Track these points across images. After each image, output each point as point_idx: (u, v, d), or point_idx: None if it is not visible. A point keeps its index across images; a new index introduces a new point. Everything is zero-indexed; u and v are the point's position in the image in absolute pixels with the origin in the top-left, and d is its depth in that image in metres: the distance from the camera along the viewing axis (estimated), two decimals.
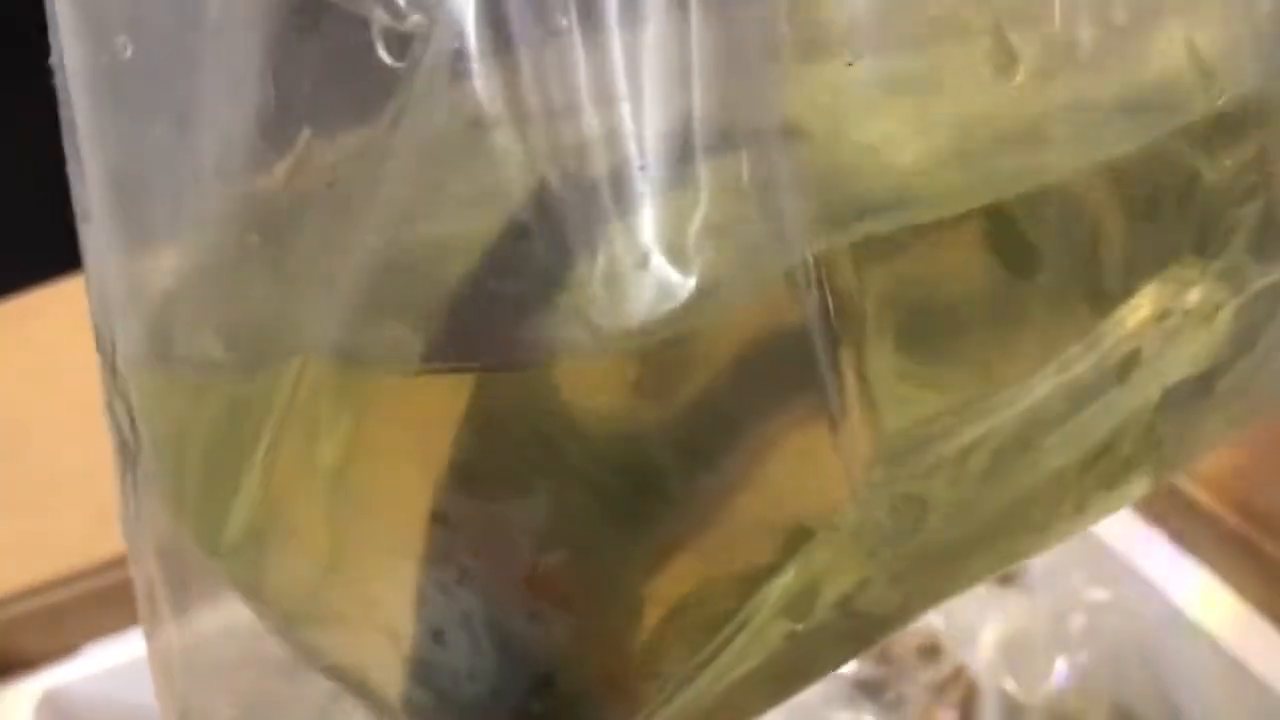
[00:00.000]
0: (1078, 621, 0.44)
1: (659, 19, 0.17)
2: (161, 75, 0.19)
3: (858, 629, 0.21)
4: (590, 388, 0.18)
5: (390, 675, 0.20)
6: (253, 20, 0.18)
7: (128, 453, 0.22)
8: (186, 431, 0.21)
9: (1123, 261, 0.20)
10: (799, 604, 0.19)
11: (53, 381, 0.58)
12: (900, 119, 0.19)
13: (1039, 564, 0.47)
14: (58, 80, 0.21)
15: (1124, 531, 0.45)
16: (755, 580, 0.18)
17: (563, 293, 0.17)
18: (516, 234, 0.17)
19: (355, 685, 0.21)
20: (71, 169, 0.21)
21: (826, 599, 0.19)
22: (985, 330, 0.19)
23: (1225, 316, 0.21)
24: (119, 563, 0.52)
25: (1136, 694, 0.43)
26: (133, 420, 0.21)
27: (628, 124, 0.17)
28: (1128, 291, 0.20)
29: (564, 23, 0.17)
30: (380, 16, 0.17)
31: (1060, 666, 0.43)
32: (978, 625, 0.45)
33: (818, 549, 0.19)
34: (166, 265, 0.21)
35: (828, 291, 0.17)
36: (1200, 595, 0.42)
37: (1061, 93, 0.20)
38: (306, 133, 0.19)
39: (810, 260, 0.17)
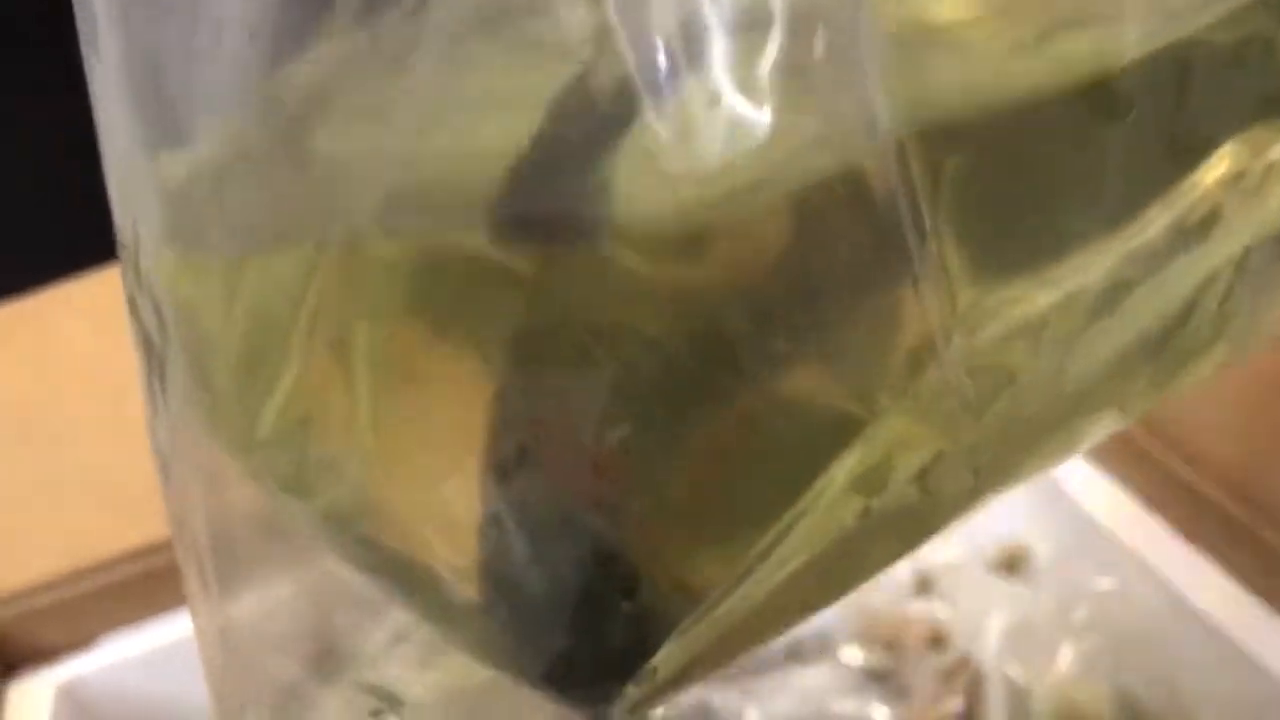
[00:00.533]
0: (1082, 610, 0.44)
1: None
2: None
3: (926, 512, 0.20)
4: (661, 247, 0.16)
5: (448, 570, 0.19)
6: None
7: (154, 355, 0.21)
8: (217, 320, 0.19)
9: (1202, 118, 0.19)
10: (873, 478, 0.18)
11: (70, 378, 0.59)
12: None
13: (1044, 554, 0.47)
14: None
15: (1127, 521, 0.45)
16: (830, 451, 0.17)
17: (631, 141, 0.16)
18: (581, 87, 0.16)
19: (407, 584, 0.20)
20: (90, 70, 0.20)
21: (901, 473, 0.18)
22: (1063, 194, 0.18)
23: None
24: (136, 556, 0.53)
25: (1140, 681, 0.43)
26: (160, 317, 0.20)
27: None
28: (1207, 149, 0.19)
29: None
30: None
31: (1065, 654, 0.43)
32: (983, 615, 0.45)
33: (894, 419, 0.17)
34: (191, 157, 0.19)
35: (910, 151, 0.16)
36: (1203, 584, 0.42)
37: None
38: (334, 19, 0.18)
39: (892, 116, 0.16)
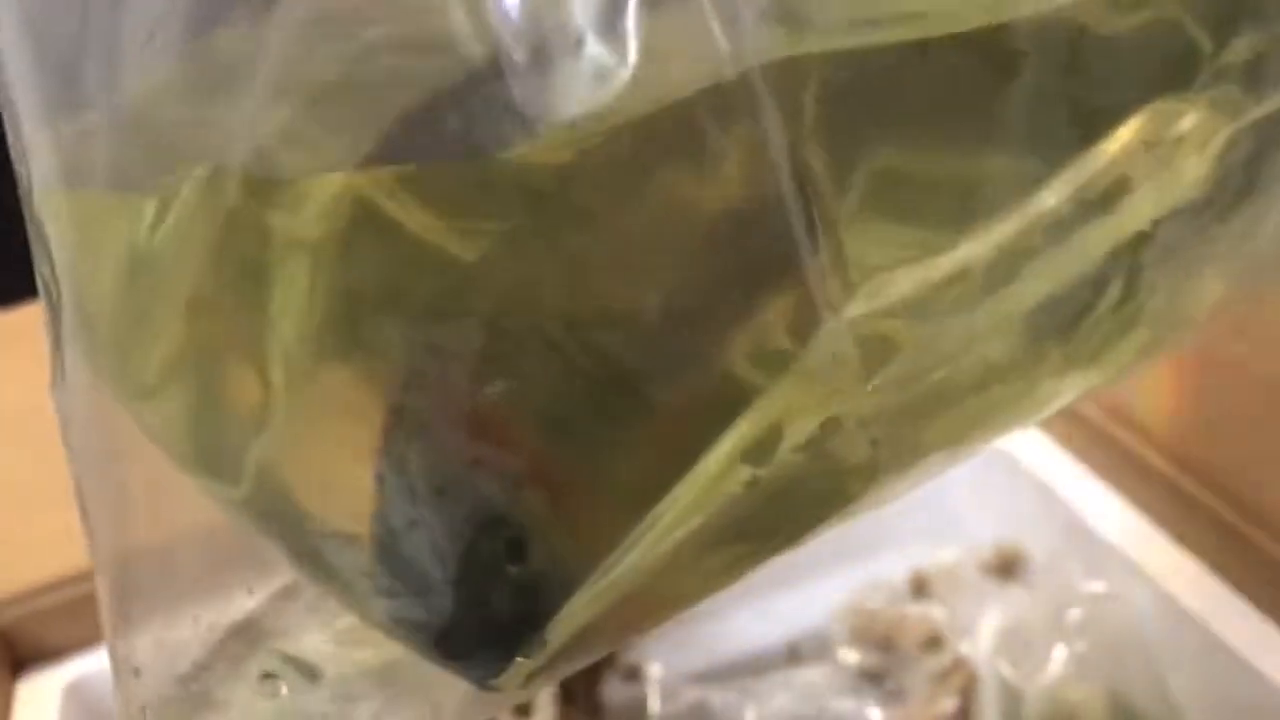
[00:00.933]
0: (1075, 612, 0.44)
1: None
2: None
3: (826, 485, 0.19)
4: (535, 188, 0.16)
5: (342, 536, 0.18)
6: None
7: (52, 305, 0.20)
8: (104, 263, 0.19)
9: (1108, 85, 0.19)
10: (760, 448, 0.17)
11: None
12: None
13: (1038, 558, 0.47)
14: None
15: (1119, 525, 0.46)
16: (716, 418, 0.17)
17: (493, 86, 0.15)
18: (445, 38, 0.16)
19: (302, 548, 0.19)
20: None
21: (789, 442, 0.18)
22: (960, 155, 0.18)
23: (1218, 146, 0.20)
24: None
25: (1132, 681, 0.44)
26: (52, 264, 0.20)
27: None
28: (1111, 118, 0.19)
29: None
30: None
31: (1058, 656, 0.44)
32: (978, 617, 0.46)
33: (780, 387, 0.17)
34: (79, 121, 0.19)
35: (787, 99, 0.16)
36: (1193, 587, 0.43)
37: None
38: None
39: (766, 62, 0.15)
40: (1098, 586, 0.45)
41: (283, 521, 0.19)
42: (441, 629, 0.18)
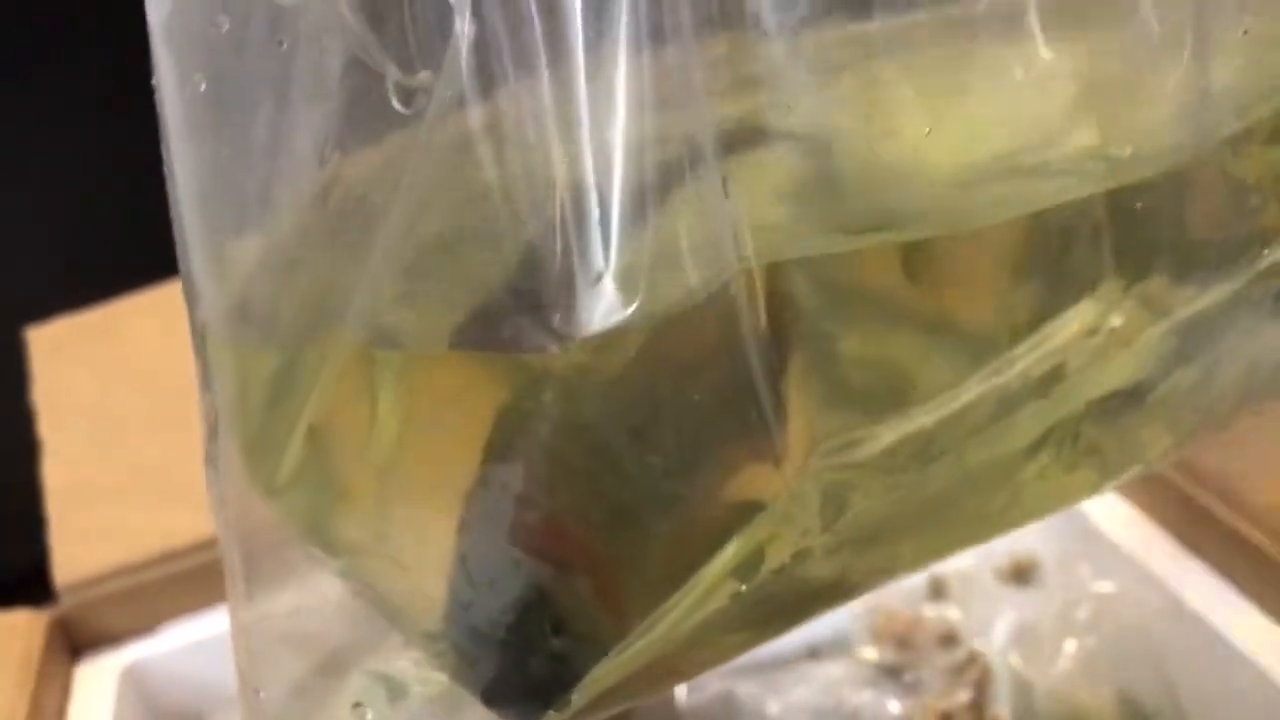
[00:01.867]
0: (1084, 611, 0.45)
1: (615, 62, 0.19)
2: (226, 106, 0.23)
3: (801, 595, 0.23)
4: (570, 375, 0.20)
5: (424, 606, 0.23)
6: (299, 71, 0.22)
7: (211, 421, 0.25)
8: (250, 390, 0.24)
9: (1045, 285, 0.22)
10: (745, 568, 0.22)
11: (141, 382, 0.61)
12: (929, 128, 0.21)
13: (1050, 559, 0.49)
14: (157, 102, 0.24)
15: (1127, 528, 0.47)
16: (714, 545, 0.21)
17: (540, 303, 0.20)
18: (513, 253, 0.20)
19: (393, 614, 0.24)
20: (168, 177, 0.24)
21: (768, 566, 0.22)
22: (911, 345, 0.22)
23: (1150, 338, 0.23)
24: (197, 548, 0.56)
25: (1139, 678, 0.45)
26: (213, 385, 0.24)
27: (588, 159, 0.19)
28: (1048, 313, 0.22)
29: (541, 67, 0.19)
30: (393, 72, 0.20)
31: (1068, 652, 0.45)
32: (992, 617, 0.47)
33: (759, 525, 0.21)
34: (240, 257, 0.24)
35: (761, 307, 0.20)
36: (1198, 588, 0.44)
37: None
38: (336, 157, 0.22)
39: (744, 281, 0.20)
40: (1106, 587, 0.46)
41: (372, 589, 0.24)
42: (488, 684, 0.23)
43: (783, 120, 0.22)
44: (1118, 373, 0.23)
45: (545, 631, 0.22)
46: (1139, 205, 0.22)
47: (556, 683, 0.22)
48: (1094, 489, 0.26)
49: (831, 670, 0.48)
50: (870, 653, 0.49)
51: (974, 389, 0.22)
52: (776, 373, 0.20)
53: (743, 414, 0.20)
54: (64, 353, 0.63)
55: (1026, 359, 0.22)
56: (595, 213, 0.19)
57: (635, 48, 0.20)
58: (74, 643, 0.56)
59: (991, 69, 0.22)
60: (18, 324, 0.63)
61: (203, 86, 0.23)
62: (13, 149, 0.68)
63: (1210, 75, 0.22)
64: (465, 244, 0.21)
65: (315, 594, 0.25)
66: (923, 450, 0.22)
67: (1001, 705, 0.45)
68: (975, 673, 0.45)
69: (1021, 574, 0.50)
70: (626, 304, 0.19)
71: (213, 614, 0.55)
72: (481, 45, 0.20)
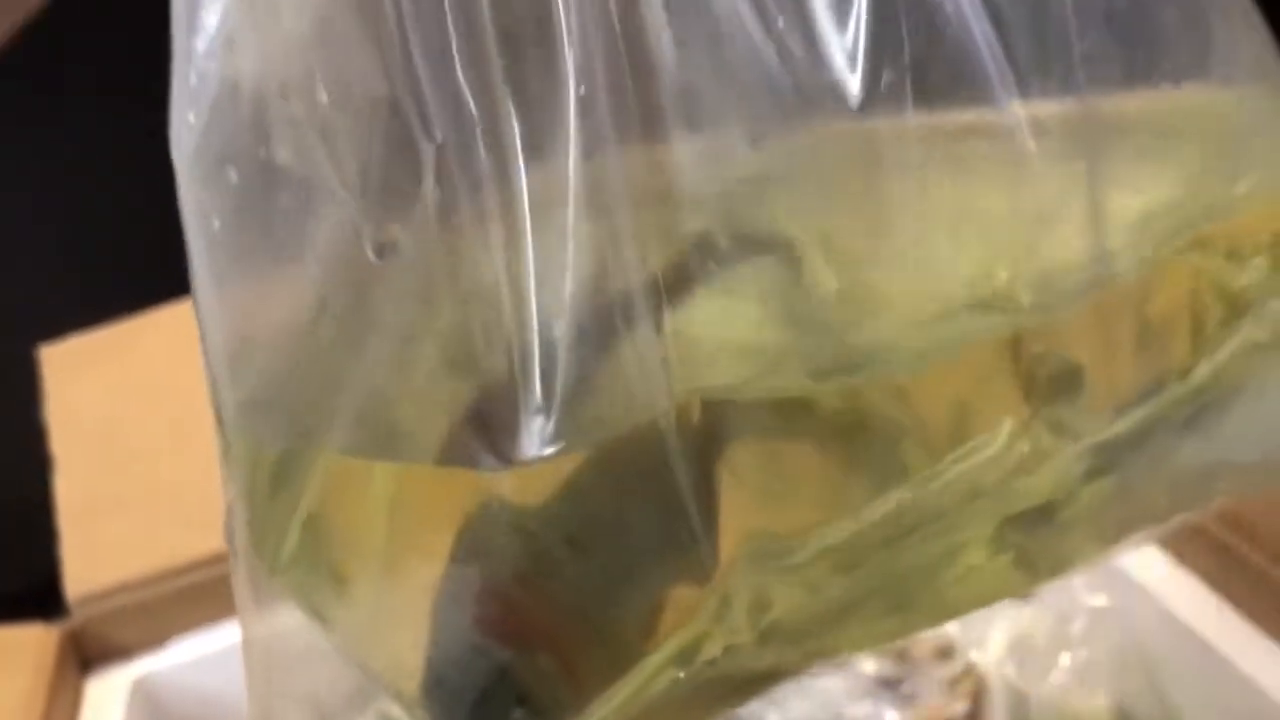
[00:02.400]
0: (1079, 624, 0.46)
1: (561, 212, 0.22)
2: (238, 244, 0.26)
3: (743, 678, 0.25)
4: (516, 491, 0.23)
5: (403, 678, 0.25)
6: (291, 222, 0.25)
7: (228, 498, 0.28)
8: (257, 476, 0.26)
9: (961, 412, 0.24)
10: (682, 659, 0.24)
11: (153, 400, 0.62)
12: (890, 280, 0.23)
13: None
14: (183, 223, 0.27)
15: None
16: (645, 641, 0.24)
17: (493, 430, 0.22)
18: (475, 382, 0.23)
19: (377, 681, 0.26)
20: (192, 276, 0.27)
21: (702, 657, 0.24)
22: (829, 466, 0.24)
23: (1061, 461, 0.24)
24: (206, 563, 0.57)
25: (1132, 690, 0.45)
26: (231, 482, 0.27)
27: (532, 305, 0.22)
28: (963, 438, 0.24)
29: (493, 220, 0.22)
30: (368, 230, 0.24)
31: (1062, 664, 0.46)
32: (988, 628, 0.48)
33: (692, 625, 0.23)
34: (253, 356, 0.26)
35: (689, 435, 0.22)
36: (1191, 602, 0.45)
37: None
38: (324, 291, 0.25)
39: (673, 413, 0.22)
40: (1099, 600, 0.47)
41: (359, 659, 0.26)
42: None
43: (754, 229, 0.24)
44: (1030, 492, 0.24)
45: (510, 704, 0.24)
46: (1049, 341, 0.24)
47: None
48: (1025, 587, 0.27)
49: (828, 684, 0.49)
50: (868, 665, 0.49)
51: (886, 507, 0.24)
52: (703, 492, 0.22)
53: (672, 529, 0.23)
54: (76, 370, 0.64)
55: (939, 480, 0.23)
56: (536, 353, 0.22)
57: (583, 182, 0.22)
58: (85, 656, 0.57)
59: (930, 198, 0.24)
60: (31, 342, 0.64)
61: (217, 224, 0.26)
62: (29, 167, 0.69)
63: (1109, 217, 0.24)
64: (438, 371, 0.24)
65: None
66: (840, 561, 0.24)
67: (997, 716, 0.45)
68: (971, 684, 0.46)
69: None
70: (559, 437, 0.22)
71: (222, 628, 0.57)
72: (444, 205, 0.23)
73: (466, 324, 0.23)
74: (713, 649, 0.24)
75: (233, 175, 0.25)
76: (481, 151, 0.22)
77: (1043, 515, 0.25)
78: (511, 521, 0.23)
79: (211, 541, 0.57)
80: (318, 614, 0.26)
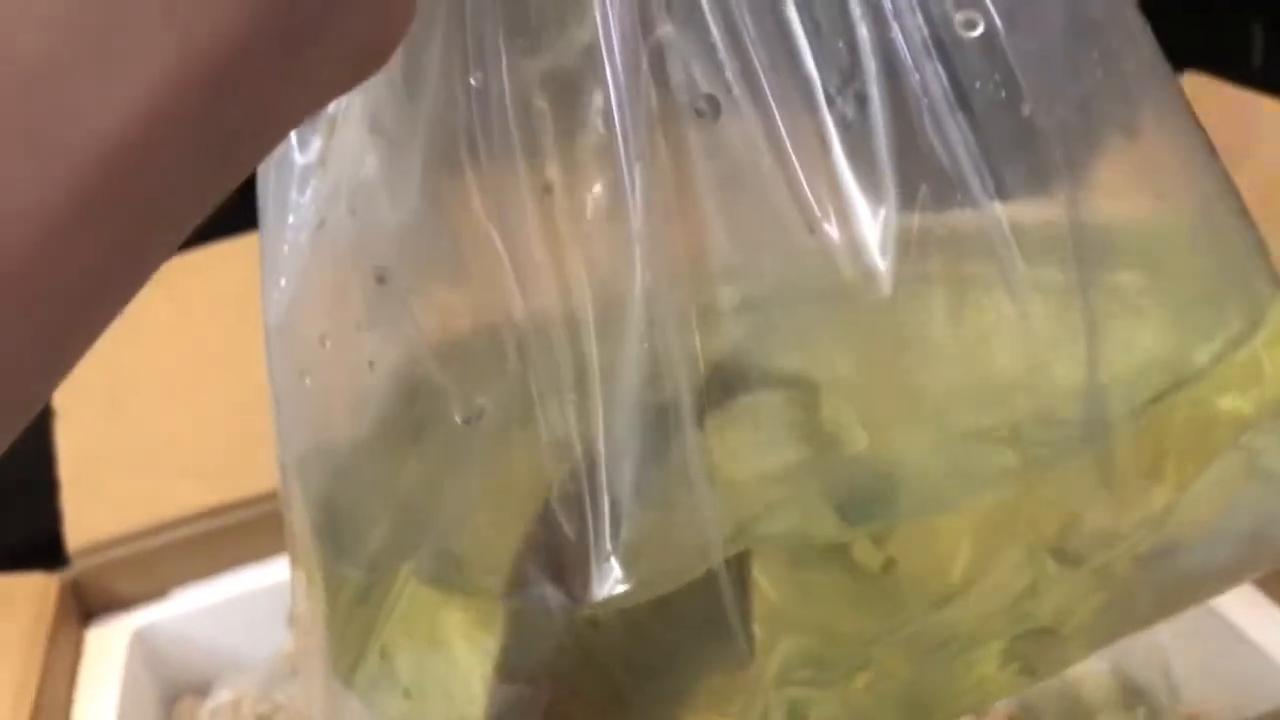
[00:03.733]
0: None
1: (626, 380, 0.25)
2: (330, 401, 0.29)
3: None
4: (584, 626, 0.25)
5: None
6: (384, 395, 0.28)
7: (298, 614, 0.31)
8: (339, 600, 0.29)
9: (982, 549, 0.26)
10: None
11: (154, 354, 0.62)
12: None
13: None
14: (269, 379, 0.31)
15: None
16: None
17: (564, 571, 0.25)
18: (542, 526, 0.25)
19: None
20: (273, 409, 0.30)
21: None
22: (846, 608, 0.26)
23: (1066, 587, 0.27)
24: (207, 515, 0.57)
25: (1137, 659, 0.45)
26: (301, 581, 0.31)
27: (601, 468, 0.25)
28: (981, 571, 0.26)
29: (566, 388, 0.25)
30: (458, 407, 0.27)
31: None
32: None
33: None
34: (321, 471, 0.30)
35: (736, 581, 0.25)
36: None
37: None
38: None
39: (721, 561, 0.24)
40: None
41: None
42: None
43: (771, 361, 0.26)
44: (1037, 613, 0.27)
45: None
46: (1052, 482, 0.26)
47: None
48: (1025, 687, 0.31)
49: None
50: None
51: (912, 628, 0.26)
52: (747, 619, 0.25)
53: (718, 651, 0.25)
54: None
55: (958, 606, 0.26)
56: (605, 500, 0.24)
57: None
58: (85, 606, 0.57)
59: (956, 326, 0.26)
60: None
61: (307, 381, 0.29)
62: None
63: (1100, 362, 0.26)
64: (508, 513, 0.26)
65: None
66: (871, 675, 0.27)
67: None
68: None
69: None
70: (628, 580, 0.24)
71: (222, 580, 0.57)
72: (522, 379, 0.25)
73: (543, 477, 0.25)
74: None
75: (327, 342, 0.29)
76: (557, 331, 0.25)
77: (1048, 631, 0.27)
78: (576, 645, 0.25)
79: (213, 494, 0.57)
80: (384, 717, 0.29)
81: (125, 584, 0.57)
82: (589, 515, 0.24)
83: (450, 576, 0.27)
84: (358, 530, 0.29)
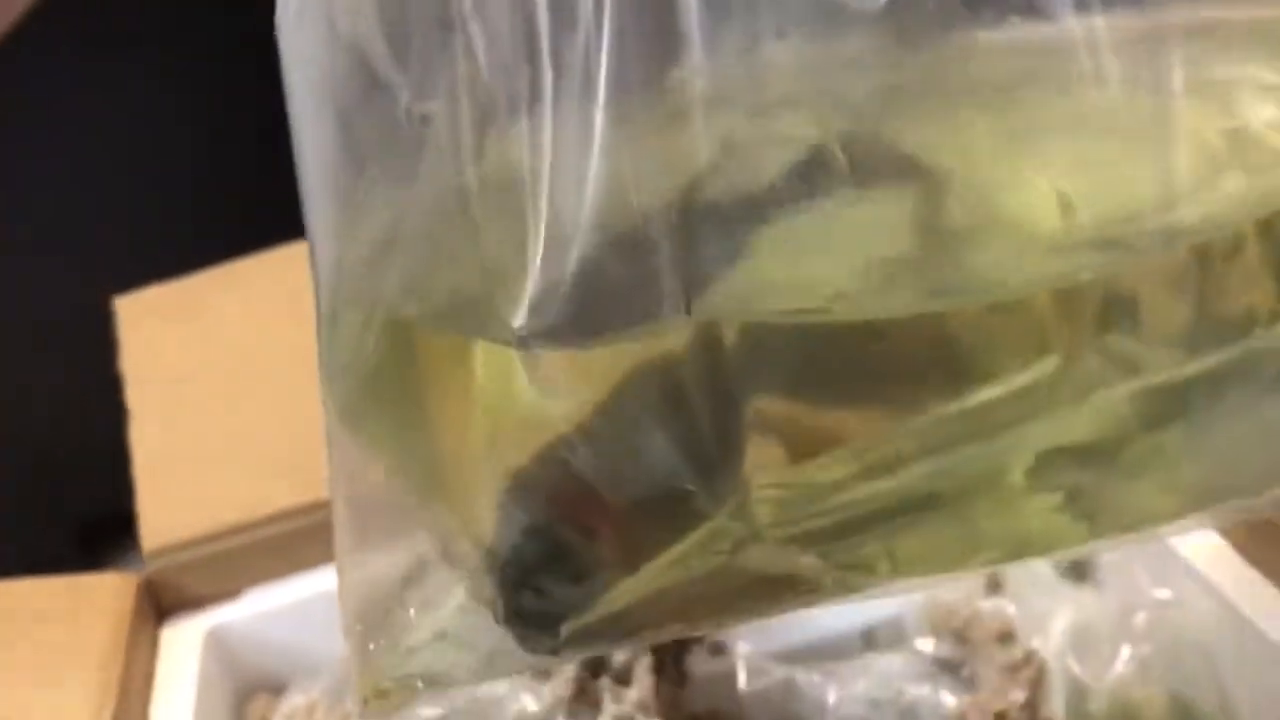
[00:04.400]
0: (1141, 617, 0.46)
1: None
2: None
3: (766, 577, 0.26)
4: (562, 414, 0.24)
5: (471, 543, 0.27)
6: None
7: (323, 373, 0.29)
8: (364, 342, 0.27)
9: (1020, 340, 0.23)
10: (711, 546, 0.25)
11: (224, 354, 0.63)
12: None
13: (1107, 563, 0.50)
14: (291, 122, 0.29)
15: (1186, 538, 0.48)
16: (672, 533, 0.25)
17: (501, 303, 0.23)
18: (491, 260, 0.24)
19: (454, 555, 0.28)
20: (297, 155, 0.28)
21: (717, 547, 0.25)
22: (858, 390, 0.24)
23: (1112, 396, 0.23)
24: (280, 517, 0.58)
25: (1193, 684, 0.46)
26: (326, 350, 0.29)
27: (544, 192, 0.23)
28: (1014, 362, 0.23)
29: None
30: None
31: (1124, 656, 0.46)
32: (1049, 615, 0.48)
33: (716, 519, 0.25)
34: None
35: (715, 368, 0.23)
36: (1254, 597, 0.45)
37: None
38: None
39: (690, 334, 0.23)
40: (1164, 593, 0.47)
41: (438, 527, 0.28)
42: (508, 612, 0.27)
43: (884, 149, 0.23)
44: (1074, 423, 0.24)
45: (555, 573, 0.25)
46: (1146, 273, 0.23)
47: (567, 607, 0.26)
48: (1086, 539, 0.26)
49: (889, 662, 0.49)
50: (927, 645, 0.50)
51: (923, 421, 0.24)
52: (726, 434, 0.24)
53: (690, 465, 0.24)
54: (152, 322, 0.65)
55: (978, 400, 0.23)
56: (543, 238, 0.23)
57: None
58: (160, 606, 0.58)
59: (1096, 115, 0.23)
60: (106, 295, 0.65)
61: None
62: (105, 119, 0.69)
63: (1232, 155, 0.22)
64: (467, 240, 0.24)
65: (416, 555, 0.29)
66: (873, 468, 0.24)
67: (1056, 706, 0.46)
68: (1030, 671, 0.46)
69: (1079, 571, 0.51)
70: (556, 321, 0.23)
71: (295, 580, 0.58)
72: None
73: (487, 201, 0.24)
74: (724, 543, 0.25)
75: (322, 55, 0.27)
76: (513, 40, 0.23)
77: (1095, 455, 0.24)
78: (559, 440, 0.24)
79: (286, 494, 0.58)
80: (405, 452, 0.28)
81: (199, 584, 0.58)
82: (530, 249, 0.23)
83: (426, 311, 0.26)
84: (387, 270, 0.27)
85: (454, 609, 0.28)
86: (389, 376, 0.27)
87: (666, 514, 0.25)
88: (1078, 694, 0.46)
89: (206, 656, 0.56)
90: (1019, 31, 0.23)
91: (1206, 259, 0.23)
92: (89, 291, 0.64)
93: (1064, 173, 0.23)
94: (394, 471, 0.28)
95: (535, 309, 0.22)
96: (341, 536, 0.30)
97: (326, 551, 0.57)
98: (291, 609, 0.57)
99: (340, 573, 0.30)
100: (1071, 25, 0.22)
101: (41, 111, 0.72)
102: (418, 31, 0.24)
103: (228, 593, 0.58)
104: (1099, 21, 0.22)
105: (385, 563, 0.29)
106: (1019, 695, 0.46)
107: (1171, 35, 0.22)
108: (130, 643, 0.54)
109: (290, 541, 0.57)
